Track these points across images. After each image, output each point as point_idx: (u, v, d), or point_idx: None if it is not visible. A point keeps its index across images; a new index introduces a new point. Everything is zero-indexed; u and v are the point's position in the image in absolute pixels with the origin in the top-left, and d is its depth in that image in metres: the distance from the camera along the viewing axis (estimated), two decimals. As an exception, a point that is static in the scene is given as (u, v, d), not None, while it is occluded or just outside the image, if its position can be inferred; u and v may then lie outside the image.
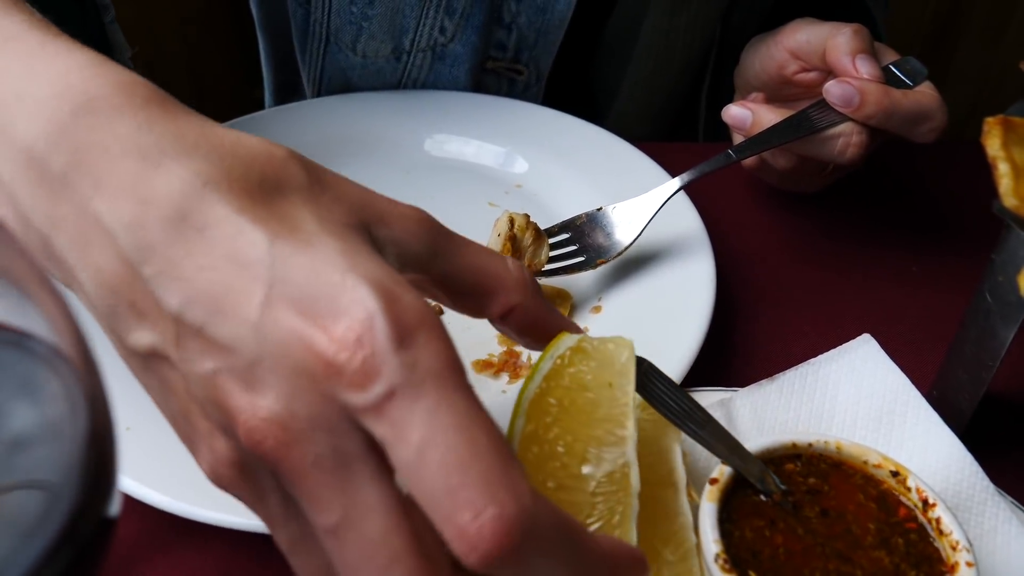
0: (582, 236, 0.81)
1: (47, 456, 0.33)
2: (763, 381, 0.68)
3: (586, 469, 0.49)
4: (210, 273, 0.40)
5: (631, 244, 0.80)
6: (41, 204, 0.44)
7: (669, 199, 0.81)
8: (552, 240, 0.80)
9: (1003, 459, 0.64)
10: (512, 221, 0.76)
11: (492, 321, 0.54)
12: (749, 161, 0.94)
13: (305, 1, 1.02)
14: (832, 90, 0.81)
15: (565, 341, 0.54)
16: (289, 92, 1.23)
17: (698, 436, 0.59)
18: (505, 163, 0.99)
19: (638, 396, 0.60)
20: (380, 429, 0.38)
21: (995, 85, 2.29)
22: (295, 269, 0.39)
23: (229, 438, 0.42)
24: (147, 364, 0.44)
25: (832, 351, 0.68)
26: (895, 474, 0.57)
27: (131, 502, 0.65)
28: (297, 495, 0.39)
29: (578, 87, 1.19)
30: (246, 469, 0.42)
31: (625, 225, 0.81)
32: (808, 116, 0.83)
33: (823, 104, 0.83)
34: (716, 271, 0.81)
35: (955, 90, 2.23)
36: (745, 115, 0.85)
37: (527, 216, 0.77)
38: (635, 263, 0.83)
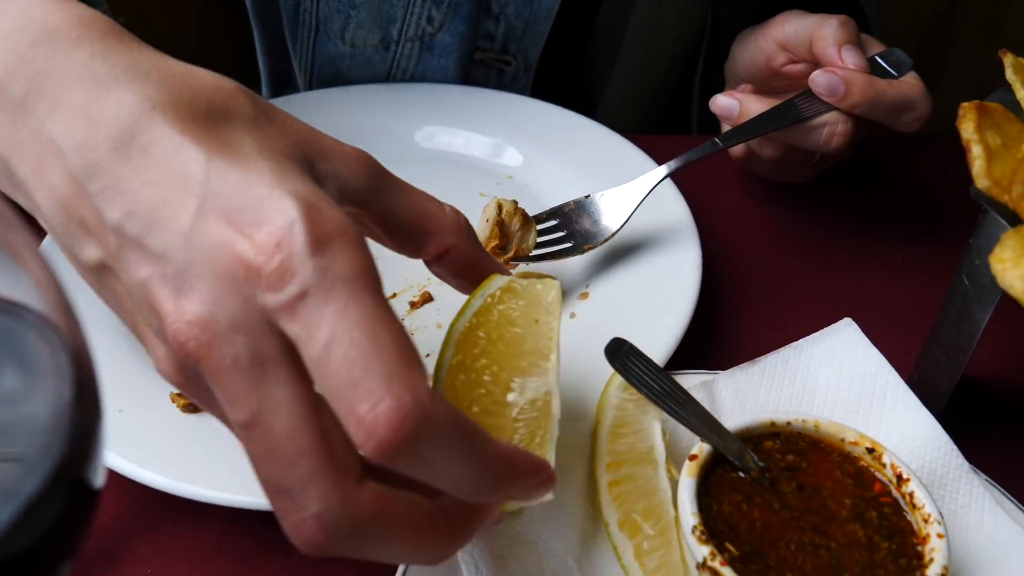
0: (570, 223, 0.82)
1: (31, 418, 0.34)
2: (745, 364, 0.69)
3: (510, 397, 0.51)
4: (150, 188, 0.43)
5: (618, 230, 0.81)
6: (2, 129, 0.46)
7: (656, 186, 0.82)
8: (541, 226, 0.81)
9: (979, 440, 0.65)
10: (500, 207, 0.77)
11: (428, 263, 0.57)
12: (737, 152, 0.95)
13: None
14: (818, 80, 0.82)
15: (496, 281, 0.57)
16: (284, 83, 1.25)
17: (678, 415, 0.60)
18: (496, 154, 1.00)
19: (621, 382, 0.61)
20: (293, 328, 0.40)
21: (991, 84, 2.29)
22: (227, 184, 0.42)
23: (164, 342, 0.44)
24: (99, 278, 0.47)
25: (814, 335, 0.69)
26: (871, 451, 0.58)
27: (124, 482, 0.66)
28: (218, 393, 0.41)
29: (568, 79, 1.20)
30: (187, 371, 0.44)
31: (613, 212, 0.82)
32: (794, 105, 0.84)
33: (809, 94, 0.84)
34: (703, 259, 0.82)
35: (951, 89, 2.23)
36: (732, 104, 0.86)
37: (515, 202, 0.78)
38: (623, 251, 0.84)
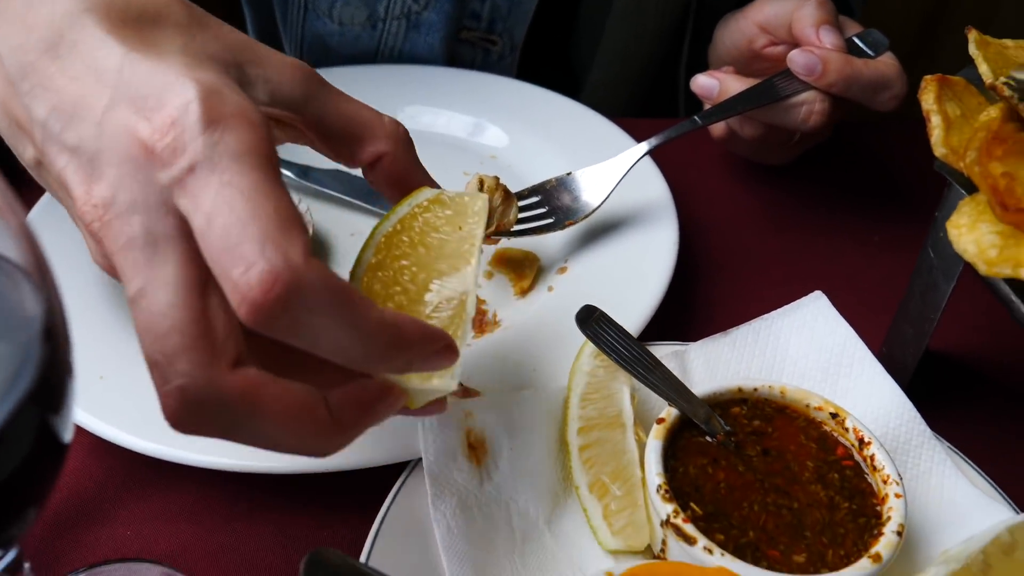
0: (552, 199, 0.83)
1: (2, 355, 0.35)
2: (717, 335, 0.70)
3: (427, 296, 0.52)
4: (73, 84, 0.45)
5: (599, 206, 0.82)
6: None
7: (636, 163, 0.83)
8: (522, 203, 0.82)
9: (943, 409, 0.66)
10: (482, 182, 0.78)
11: (365, 173, 0.58)
12: (719, 132, 0.96)
13: None
14: (796, 59, 0.83)
15: (425, 192, 0.58)
16: None
17: (646, 380, 0.61)
18: (480, 134, 1.01)
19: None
20: (183, 202, 0.42)
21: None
22: (137, 74, 0.44)
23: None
24: (39, 174, 0.50)
25: (785, 307, 0.71)
26: (835, 416, 0.59)
27: (105, 447, 0.67)
28: (119, 271, 0.43)
29: (554, 60, 1.21)
30: (105, 255, 0.46)
31: (593, 188, 0.83)
32: (773, 84, 0.85)
33: (788, 73, 0.85)
34: (682, 236, 0.83)
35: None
36: (712, 84, 0.87)
37: (497, 178, 0.79)
38: (602, 227, 0.85)
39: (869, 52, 0.87)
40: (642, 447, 0.58)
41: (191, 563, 0.62)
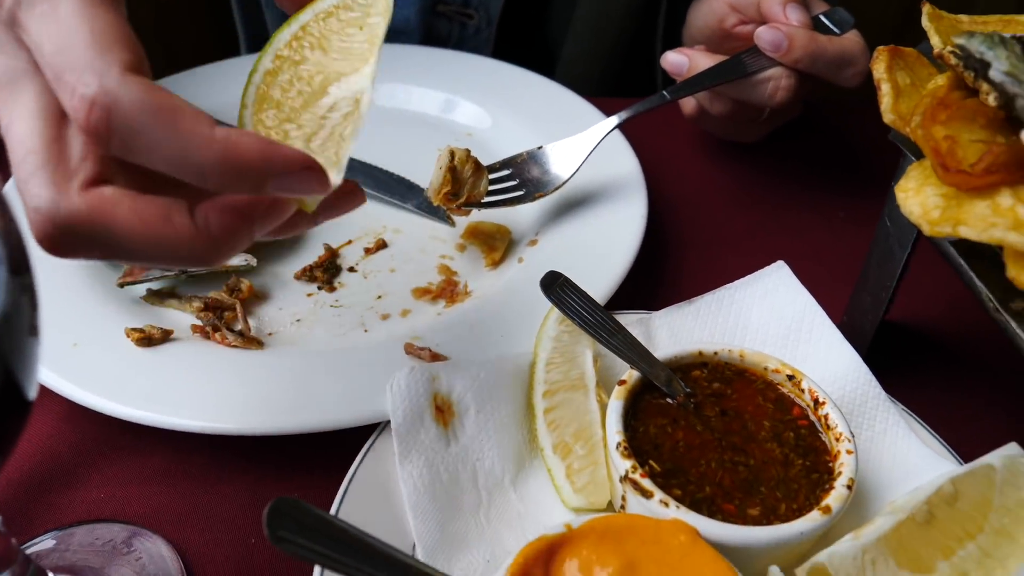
0: (522, 172, 0.85)
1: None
2: (681, 303, 0.72)
3: (323, 100, 0.52)
4: None
5: (569, 178, 0.84)
6: None
7: (606, 137, 0.85)
8: (493, 175, 0.83)
9: (900, 375, 0.68)
10: (453, 154, 0.79)
11: None
12: (689, 110, 0.97)
13: None
14: (763, 35, 0.85)
15: None
16: (262, 44, 1.26)
17: (609, 343, 0.63)
18: (455, 112, 1.03)
19: (556, 312, 0.64)
20: (24, 36, 0.44)
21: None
22: None
23: None
24: None
25: (748, 277, 0.72)
26: (791, 378, 0.61)
27: (80, 412, 0.68)
28: None
29: (530, 33, 1.22)
30: None
31: (563, 162, 0.84)
32: (741, 60, 0.86)
33: (756, 50, 0.86)
34: (652, 211, 0.85)
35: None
36: (682, 60, 0.89)
37: (468, 151, 0.80)
38: (574, 202, 0.87)
39: (835, 30, 0.88)
40: (604, 408, 0.60)
41: (164, 524, 0.63)
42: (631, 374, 0.61)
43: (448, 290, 0.80)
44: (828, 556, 0.52)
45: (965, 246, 0.55)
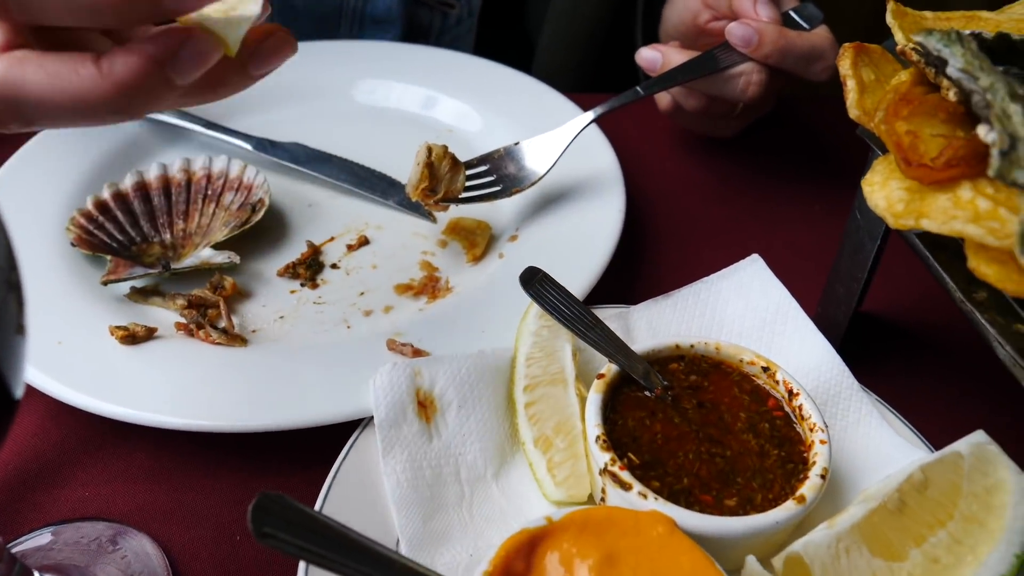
0: (499, 167, 0.85)
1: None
2: (659, 297, 0.73)
3: None
4: None
5: (546, 173, 0.84)
6: None
7: (581, 132, 0.86)
8: (471, 171, 0.84)
9: (872, 365, 0.70)
10: (430, 150, 0.80)
11: None
12: (664, 105, 0.98)
13: None
14: (734, 31, 0.86)
15: None
16: None
17: (587, 337, 0.64)
18: (435, 110, 1.03)
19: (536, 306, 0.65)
20: None
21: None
22: None
23: None
24: None
25: (724, 270, 0.73)
26: (766, 370, 0.62)
27: (64, 410, 0.69)
28: None
29: (510, 25, 1.23)
30: None
31: (540, 157, 0.85)
32: (713, 56, 0.87)
33: (728, 46, 0.87)
34: (630, 205, 0.86)
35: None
36: (655, 56, 0.90)
37: (445, 147, 0.81)
38: (553, 197, 0.88)
39: (804, 25, 0.90)
40: (583, 401, 0.61)
41: (149, 521, 0.64)
42: (609, 368, 0.62)
43: (430, 286, 0.81)
44: (803, 545, 0.53)
45: (930, 238, 0.56)
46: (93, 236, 0.82)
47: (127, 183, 0.87)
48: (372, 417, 0.63)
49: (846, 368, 0.66)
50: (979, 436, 0.55)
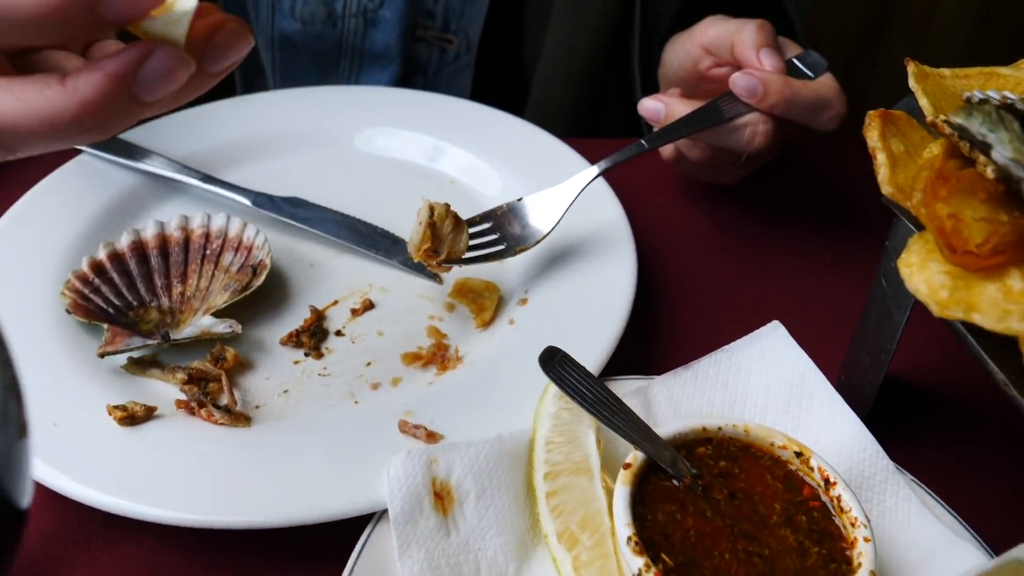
0: (502, 225, 0.83)
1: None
2: (679, 369, 0.70)
3: None
4: None
5: (550, 232, 0.82)
6: None
7: (586, 187, 0.83)
8: (474, 229, 0.81)
9: (905, 438, 0.67)
10: (432, 209, 0.77)
11: None
12: (668, 155, 0.96)
13: None
14: (738, 81, 0.84)
15: None
16: (251, 71, 1.28)
17: (611, 423, 0.61)
18: (437, 160, 1.01)
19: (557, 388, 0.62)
20: None
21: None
22: None
23: None
24: None
25: (744, 338, 0.71)
26: (799, 455, 0.59)
27: (58, 498, 0.65)
28: None
29: (506, 59, 1.22)
30: None
31: (544, 214, 0.83)
32: (717, 107, 0.85)
33: (731, 96, 0.85)
34: (637, 262, 0.83)
35: (884, 86, 2.29)
36: (659, 107, 0.88)
37: (447, 205, 0.78)
38: (560, 254, 0.85)
39: (809, 73, 0.88)
40: (610, 494, 0.58)
41: (152, 624, 0.61)
42: (636, 456, 0.59)
43: (439, 355, 0.78)
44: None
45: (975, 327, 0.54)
46: (89, 301, 0.79)
47: (123, 242, 0.84)
48: (386, 510, 0.60)
49: (879, 448, 0.63)
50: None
